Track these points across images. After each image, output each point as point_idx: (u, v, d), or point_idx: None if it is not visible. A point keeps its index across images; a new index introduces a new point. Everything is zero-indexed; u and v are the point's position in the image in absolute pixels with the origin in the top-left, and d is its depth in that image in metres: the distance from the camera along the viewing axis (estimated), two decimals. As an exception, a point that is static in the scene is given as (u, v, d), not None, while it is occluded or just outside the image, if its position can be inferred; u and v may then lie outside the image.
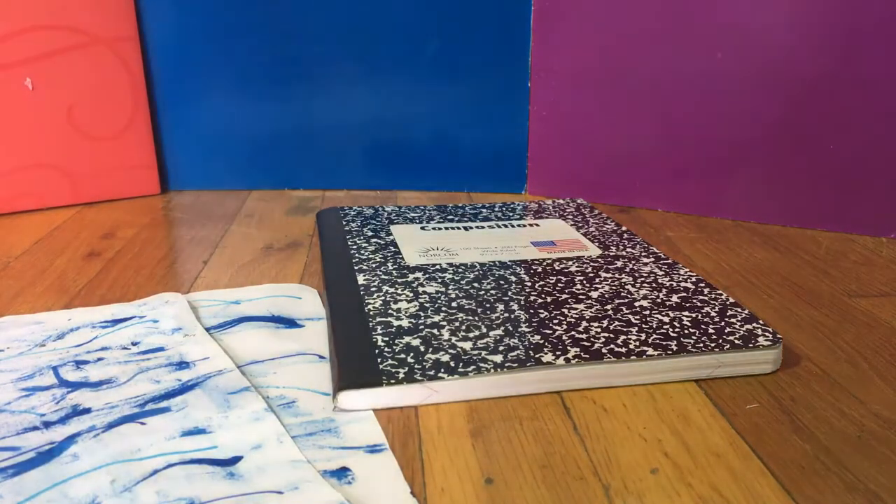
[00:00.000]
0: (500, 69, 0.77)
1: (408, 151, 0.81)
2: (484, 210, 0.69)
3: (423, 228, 0.63)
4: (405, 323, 0.44)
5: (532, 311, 0.46)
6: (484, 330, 0.43)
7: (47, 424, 0.36)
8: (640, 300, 0.47)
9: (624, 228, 0.63)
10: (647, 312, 0.46)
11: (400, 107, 0.79)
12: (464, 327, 0.44)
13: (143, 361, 0.42)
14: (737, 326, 0.44)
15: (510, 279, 0.51)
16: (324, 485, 0.32)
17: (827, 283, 0.55)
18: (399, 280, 0.51)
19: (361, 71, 0.78)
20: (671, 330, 0.43)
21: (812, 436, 0.36)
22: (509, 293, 0.49)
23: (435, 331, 0.43)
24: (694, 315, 0.45)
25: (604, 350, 0.41)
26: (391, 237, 0.60)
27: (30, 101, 0.72)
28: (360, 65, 0.78)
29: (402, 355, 0.40)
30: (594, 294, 0.48)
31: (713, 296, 0.48)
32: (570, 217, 0.67)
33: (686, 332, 0.43)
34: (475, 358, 0.40)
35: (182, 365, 0.42)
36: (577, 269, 0.53)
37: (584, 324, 0.44)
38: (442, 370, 0.39)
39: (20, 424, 0.36)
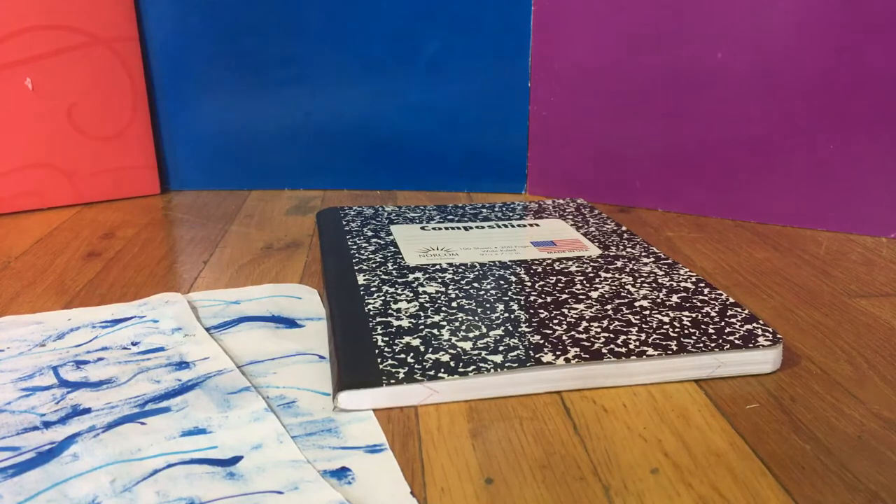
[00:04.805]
0: (499, 69, 0.77)
1: (408, 151, 0.81)
2: (484, 210, 0.69)
3: (423, 228, 0.63)
4: (405, 323, 0.44)
5: (532, 311, 0.46)
6: (484, 330, 0.43)
7: (47, 424, 0.36)
8: (640, 300, 0.47)
9: (624, 228, 0.63)
10: (647, 312, 0.46)
11: (400, 106, 0.79)
12: (464, 327, 0.44)
13: (143, 361, 0.42)
14: (737, 326, 0.44)
15: (510, 279, 0.51)
16: (324, 485, 0.32)
17: (827, 283, 0.55)
18: (399, 280, 0.51)
19: (361, 71, 0.78)
20: (671, 330, 0.43)
21: (812, 436, 0.36)
22: (509, 293, 0.49)
23: (435, 331, 0.43)
24: (694, 315, 0.45)
25: (604, 350, 0.41)
26: (391, 237, 0.60)
27: (30, 101, 0.72)
28: (360, 64, 0.78)
29: (402, 355, 0.40)
30: (594, 294, 0.48)
31: (713, 296, 0.48)
32: (570, 217, 0.67)
33: (686, 332, 0.43)
34: (475, 358, 0.40)
35: (182, 365, 0.42)
36: (577, 269, 0.53)
37: (584, 324, 0.44)
38: (442, 370, 0.39)
39: (20, 424, 0.36)
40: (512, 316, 0.45)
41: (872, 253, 0.62)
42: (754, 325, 0.44)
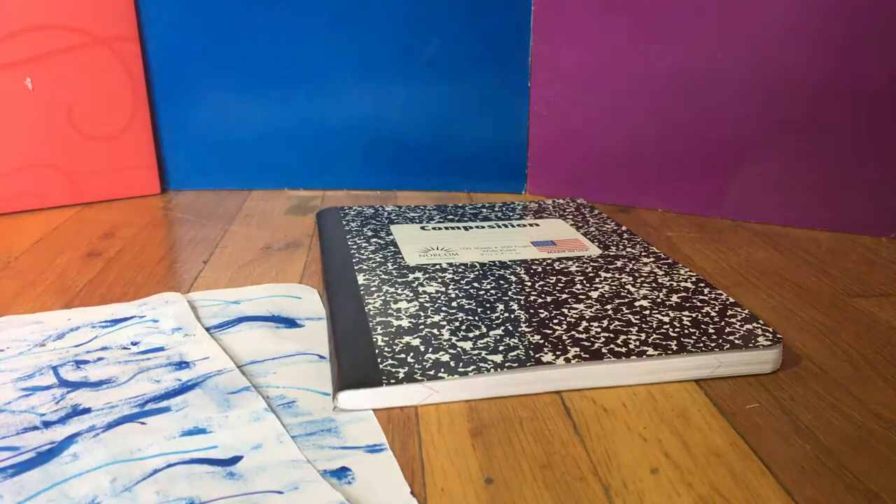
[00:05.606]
0: (500, 69, 0.77)
1: (408, 151, 0.81)
2: (484, 210, 0.69)
3: (423, 228, 0.63)
4: (405, 323, 0.44)
5: (532, 310, 0.46)
6: (484, 330, 0.43)
7: (47, 424, 0.36)
8: (640, 300, 0.47)
9: (624, 228, 0.63)
10: (647, 312, 0.46)
11: (400, 106, 0.79)
12: (464, 327, 0.44)
13: (143, 361, 0.42)
14: (737, 326, 0.44)
15: (510, 279, 0.51)
16: (324, 485, 0.32)
17: (827, 283, 0.55)
18: (399, 280, 0.51)
19: (361, 71, 0.78)
20: (671, 330, 0.43)
21: (812, 436, 0.36)
22: (509, 293, 0.49)
23: (435, 331, 0.43)
24: (694, 315, 0.45)
25: (604, 350, 0.41)
26: (391, 237, 0.60)
27: (30, 101, 0.71)
28: (360, 64, 0.78)
29: (402, 355, 0.40)
30: (594, 294, 0.48)
31: (713, 296, 0.48)
32: (570, 217, 0.67)
33: (686, 331, 0.43)
34: (475, 358, 0.40)
35: (182, 365, 0.42)
36: (577, 268, 0.53)
37: (584, 324, 0.44)
38: (442, 370, 0.39)
39: (20, 424, 0.36)
40: (512, 316, 0.45)
41: (872, 253, 0.62)
42: (754, 325, 0.44)
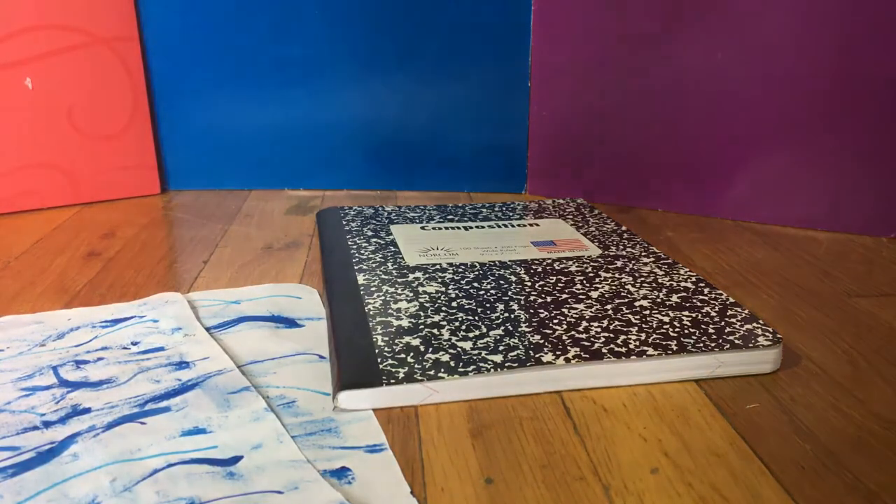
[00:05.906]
0: (500, 69, 0.77)
1: (408, 151, 0.81)
2: (484, 210, 0.69)
3: (423, 228, 0.63)
4: (405, 323, 0.44)
5: (532, 310, 0.46)
6: (484, 330, 0.43)
7: (47, 424, 0.36)
8: (640, 300, 0.47)
9: (624, 228, 0.63)
10: (647, 312, 0.46)
11: (400, 106, 0.79)
12: (464, 327, 0.44)
13: (143, 361, 0.42)
14: (737, 326, 0.44)
15: (510, 279, 0.51)
16: (324, 485, 0.32)
17: (827, 283, 0.55)
18: (399, 280, 0.51)
19: (361, 71, 0.78)
20: (671, 330, 0.43)
21: (812, 436, 0.36)
22: (509, 293, 0.49)
23: (435, 331, 0.43)
24: (694, 315, 0.45)
25: (604, 350, 0.41)
26: (391, 237, 0.60)
27: (30, 101, 0.71)
28: (360, 64, 0.78)
29: (402, 355, 0.40)
30: (594, 294, 0.48)
31: (713, 296, 0.48)
32: (570, 217, 0.67)
33: (686, 331, 0.43)
34: (475, 358, 0.40)
35: (182, 365, 0.42)
36: (577, 268, 0.53)
37: (584, 324, 0.44)
38: (442, 370, 0.39)
39: (20, 424, 0.36)
40: (512, 316, 0.45)
41: (872, 253, 0.62)
42: (754, 325, 0.44)
